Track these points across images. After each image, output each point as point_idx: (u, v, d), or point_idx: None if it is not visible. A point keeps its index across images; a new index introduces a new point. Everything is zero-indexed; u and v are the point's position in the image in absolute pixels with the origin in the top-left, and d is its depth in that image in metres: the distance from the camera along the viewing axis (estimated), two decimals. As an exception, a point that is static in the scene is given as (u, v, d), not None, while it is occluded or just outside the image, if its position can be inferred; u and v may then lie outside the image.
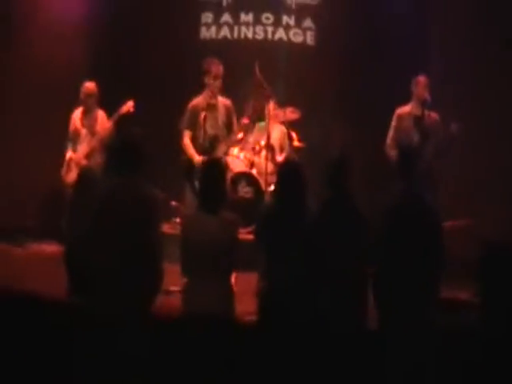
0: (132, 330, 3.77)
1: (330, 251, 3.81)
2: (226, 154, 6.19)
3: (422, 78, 6.14)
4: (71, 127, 6.67)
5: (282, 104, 7.06)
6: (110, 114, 6.61)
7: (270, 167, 6.76)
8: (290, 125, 7.23)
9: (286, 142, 7.30)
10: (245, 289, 4.21)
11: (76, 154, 6.57)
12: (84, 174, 6.37)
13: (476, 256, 3.04)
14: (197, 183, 5.45)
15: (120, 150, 3.99)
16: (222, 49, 7.83)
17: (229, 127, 6.02)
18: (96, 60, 7.55)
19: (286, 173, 4.10)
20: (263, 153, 6.94)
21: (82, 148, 6.56)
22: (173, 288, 4.85)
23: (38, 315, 4.38)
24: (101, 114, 6.69)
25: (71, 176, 6.47)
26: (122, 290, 3.78)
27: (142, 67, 7.60)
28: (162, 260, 3.96)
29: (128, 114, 6.45)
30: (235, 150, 6.96)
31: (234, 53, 7.55)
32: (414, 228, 3.85)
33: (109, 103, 6.71)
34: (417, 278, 3.78)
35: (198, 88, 6.28)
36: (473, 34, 7.05)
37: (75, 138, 6.62)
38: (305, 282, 3.80)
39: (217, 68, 5.86)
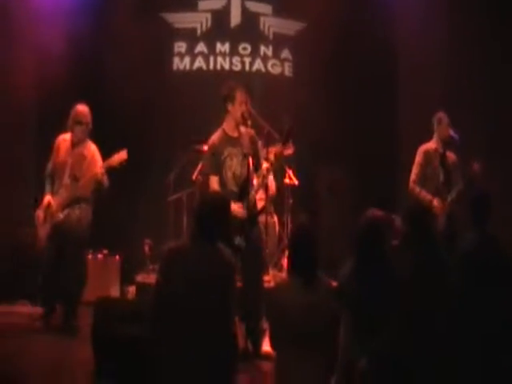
0: None
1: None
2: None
3: (442, 115, 5.72)
4: (54, 157, 5.45)
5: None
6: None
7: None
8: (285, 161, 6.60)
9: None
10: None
11: (54, 201, 5.38)
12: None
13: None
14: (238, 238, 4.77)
15: (206, 216, 3.44)
16: (196, 81, 7.54)
17: (255, 162, 5.06)
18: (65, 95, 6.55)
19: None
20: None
21: (62, 196, 5.37)
22: None
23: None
24: (92, 149, 5.43)
25: (45, 229, 5.39)
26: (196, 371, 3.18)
27: (110, 105, 6.81)
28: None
29: (121, 165, 5.28)
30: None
31: (209, 85, 7.01)
32: (492, 273, 4.01)
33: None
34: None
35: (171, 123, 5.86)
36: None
37: (58, 173, 5.41)
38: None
39: (241, 93, 4.93)
